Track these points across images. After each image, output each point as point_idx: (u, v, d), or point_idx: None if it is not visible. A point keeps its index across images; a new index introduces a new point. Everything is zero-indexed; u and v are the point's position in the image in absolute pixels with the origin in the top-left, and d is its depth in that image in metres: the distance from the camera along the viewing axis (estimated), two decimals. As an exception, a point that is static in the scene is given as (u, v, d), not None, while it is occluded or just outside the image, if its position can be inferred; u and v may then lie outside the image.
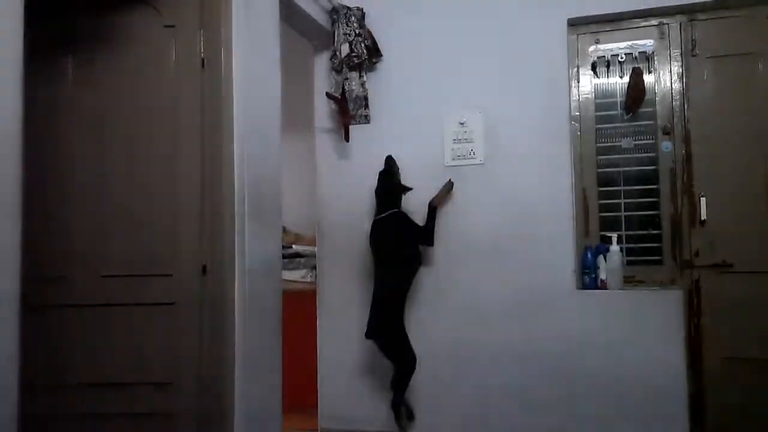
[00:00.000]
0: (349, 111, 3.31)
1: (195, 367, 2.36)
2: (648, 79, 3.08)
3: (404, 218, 3.11)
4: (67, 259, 2.40)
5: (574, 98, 3.18)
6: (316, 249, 3.57)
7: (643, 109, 3.08)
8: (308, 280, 3.96)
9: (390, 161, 3.17)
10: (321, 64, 3.51)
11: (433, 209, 3.14)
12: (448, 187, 3.19)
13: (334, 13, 3.31)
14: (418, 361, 3.00)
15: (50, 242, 2.38)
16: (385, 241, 3.09)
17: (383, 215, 3.10)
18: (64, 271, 2.39)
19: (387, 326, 2.98)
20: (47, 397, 2.30)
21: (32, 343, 1.95)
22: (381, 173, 3.17)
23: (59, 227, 2.41)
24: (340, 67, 3.32)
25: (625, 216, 3.11)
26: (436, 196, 3.16)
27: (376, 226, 3.14)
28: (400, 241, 3.08)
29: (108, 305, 2.38)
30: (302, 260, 4.11)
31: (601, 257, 2.99)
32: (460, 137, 3.25)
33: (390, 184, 3.15)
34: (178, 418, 2.35)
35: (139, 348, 2.37)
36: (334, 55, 3.35)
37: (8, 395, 1.55)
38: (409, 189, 3.15)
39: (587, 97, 3.18)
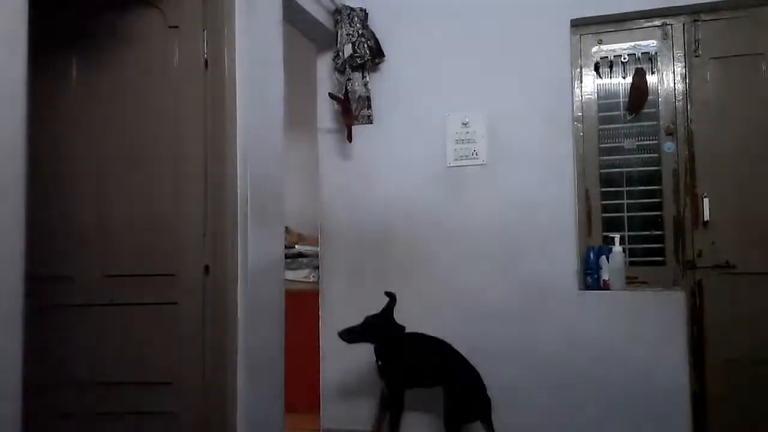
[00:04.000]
0: (351, 111, 3.32)
1: (197, 367, 2.37)
2: (651, 79, 3.08)
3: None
4: (71, 259, 2.41)
5: (576, 99, 3.18)
6: (318, 249, 3.57)
7: (645, 110, 3.08)
8: (311, 280, 3.96)
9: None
10: (324, 64, 3.52)
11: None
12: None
13: (337, 13, 3.32)
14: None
15: (55, 242, 2.39)
16: (433, 354, 2.88)
17: (405, 338, 2.88)
18: (68, 271, 2.40)
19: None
20: (51, 396, 2.31)
21: (36, 343, 1.96)
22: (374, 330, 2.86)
23: (63, 227, 2.42)
24: (342, 67, 3.33)
25: (627, 216, 3.11)
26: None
27: (411, 351, 2.87)
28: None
29: (111, 305, 2.39)
30: (305, 260, 4.11)
31: (603, 258, 2.99)
32: (462, 138, 3.25)
33: (383, 322, 2.87)
34: (180, 418, 2.36)
35: (141, 347, 2.38)
36: (337, 56, 3.36)
37: (12, 394, 1.55)
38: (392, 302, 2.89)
39: (590, 98, 3.18)
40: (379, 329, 2.85)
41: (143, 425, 2.36)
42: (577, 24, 3.16)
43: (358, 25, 3.30)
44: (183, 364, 2.37)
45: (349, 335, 2.82)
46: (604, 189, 3.14)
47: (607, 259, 2.98)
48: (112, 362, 2.37)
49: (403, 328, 2.87)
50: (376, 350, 2.88)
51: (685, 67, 3.05)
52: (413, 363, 2.86)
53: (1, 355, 1.53)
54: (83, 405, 2.36)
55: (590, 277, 3.02)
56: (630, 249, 3.08)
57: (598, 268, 3.00)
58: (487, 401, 2.77)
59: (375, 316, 2.86)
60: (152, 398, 2.36)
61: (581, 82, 3.19)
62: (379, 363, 2.88)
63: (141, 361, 2.37)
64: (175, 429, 2.35)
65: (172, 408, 2.36)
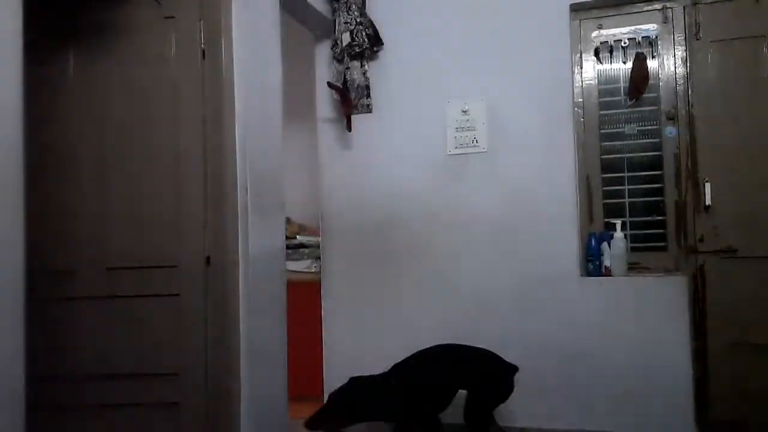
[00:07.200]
0: (350, 100, 3.30)
1: (201, 358, 2.38)
2: (651, 64, 3.06)
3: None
4: (73, 253, 2.41)
5: (577, 84, 3.15)
6: (320, 239, 3.57)
7: (646, 95, 3.06)
8: (312, 270, 3.96)
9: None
10: (322, 53, 3.50)
11: None
12: None
13: (335, 1, 3.30)
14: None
15: (56, 236, 2.39)
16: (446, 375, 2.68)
17: (395, 374, 2.69)
18: (71, 265, 2.41)
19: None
20: (55, 388, 2.31)
21: (40, 336, 1.97)
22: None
23: (64, 221, 2.41)
24: (341, 56, 3.31)
25: (629, 202, 3.10)
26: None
27: (412, 378, 2.67)
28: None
29: (114, 297, 2.40)
30: (306, 251, 4.12)
31: (605, 244, 2.99)
32: (462, 125, 3.24)
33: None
34: (184, 408, 2.37)
35: (144, 339, 2.38)
36: (335, 44, 3.34)
37: (15, 386, 1.56)
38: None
39: (590, 83, 3.16)
40: (352, 390, 2.61)
41: (147, 416, 2.37)
42: (577, 9, 3.13)
43: (356, 12, 3.27)
44: (186, 355, 2.38)
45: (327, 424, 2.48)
46: (605, 175, 3.13)
47: (609, 245, 2.98)
48: (116, 354, 2.38)
49: (382, 374, 2.66)
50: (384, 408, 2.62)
51: (685, 50, 3.03)
52: (420, 389, 2.64)
53: (3, 349, 1.53)
54: (88, 396, 2.37)
55: (592, 264, 3.02)
56: (631, 235, 3.08)
57: (600, 254, 3.00)
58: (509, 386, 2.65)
59: (339, 390, 2.62)
60: (156, 389, 2.37)
61: (581, 67, 3.16)
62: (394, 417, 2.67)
63: (144, 352, 2.38)
64: (180, 419, 2.36)
65: (176, 398, 2.37)
